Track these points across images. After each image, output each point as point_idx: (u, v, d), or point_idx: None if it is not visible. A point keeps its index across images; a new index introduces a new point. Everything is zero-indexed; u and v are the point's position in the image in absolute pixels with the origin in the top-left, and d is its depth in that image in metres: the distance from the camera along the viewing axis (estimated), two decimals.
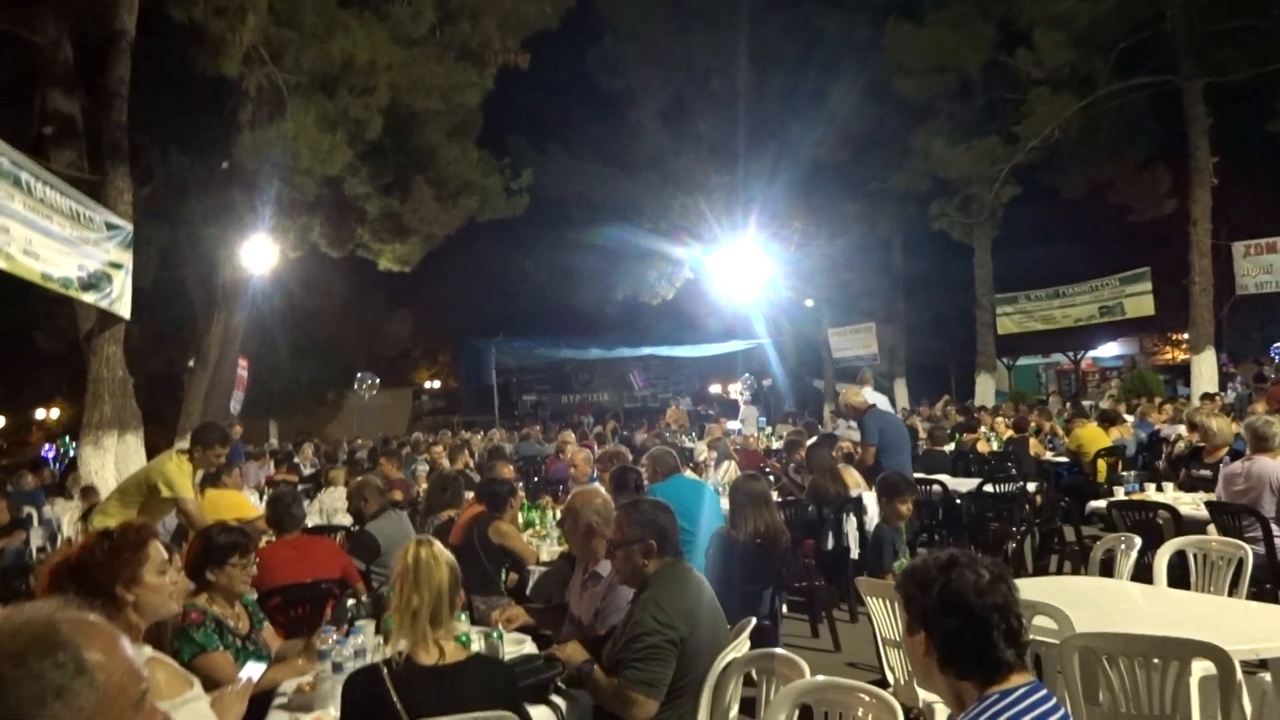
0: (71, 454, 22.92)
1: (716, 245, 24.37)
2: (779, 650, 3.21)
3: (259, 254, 15.67)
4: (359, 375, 26.88)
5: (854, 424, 9.54)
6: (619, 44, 24.20)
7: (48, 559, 3.81)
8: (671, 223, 25.01)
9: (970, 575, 2.05)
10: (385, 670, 2.75)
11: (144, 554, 2.87)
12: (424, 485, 11.49)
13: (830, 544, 7.59)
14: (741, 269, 23.60)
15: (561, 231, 28.63)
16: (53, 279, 9.28)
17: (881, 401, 14.38)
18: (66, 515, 10.95)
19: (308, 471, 15.69)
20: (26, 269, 8.72)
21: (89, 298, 10.36)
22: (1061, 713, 1.98)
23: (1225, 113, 17.94)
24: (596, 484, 8.31)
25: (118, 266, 10.85)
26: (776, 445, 15.22)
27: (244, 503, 7.65)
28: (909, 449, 8.33)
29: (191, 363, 17.64)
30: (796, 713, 2.81)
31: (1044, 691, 2.01)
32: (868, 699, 2.58)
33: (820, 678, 2.82)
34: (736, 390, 27.16)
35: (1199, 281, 17.72)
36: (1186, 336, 27.64)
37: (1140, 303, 20.19)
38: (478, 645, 3.54)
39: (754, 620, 3.69)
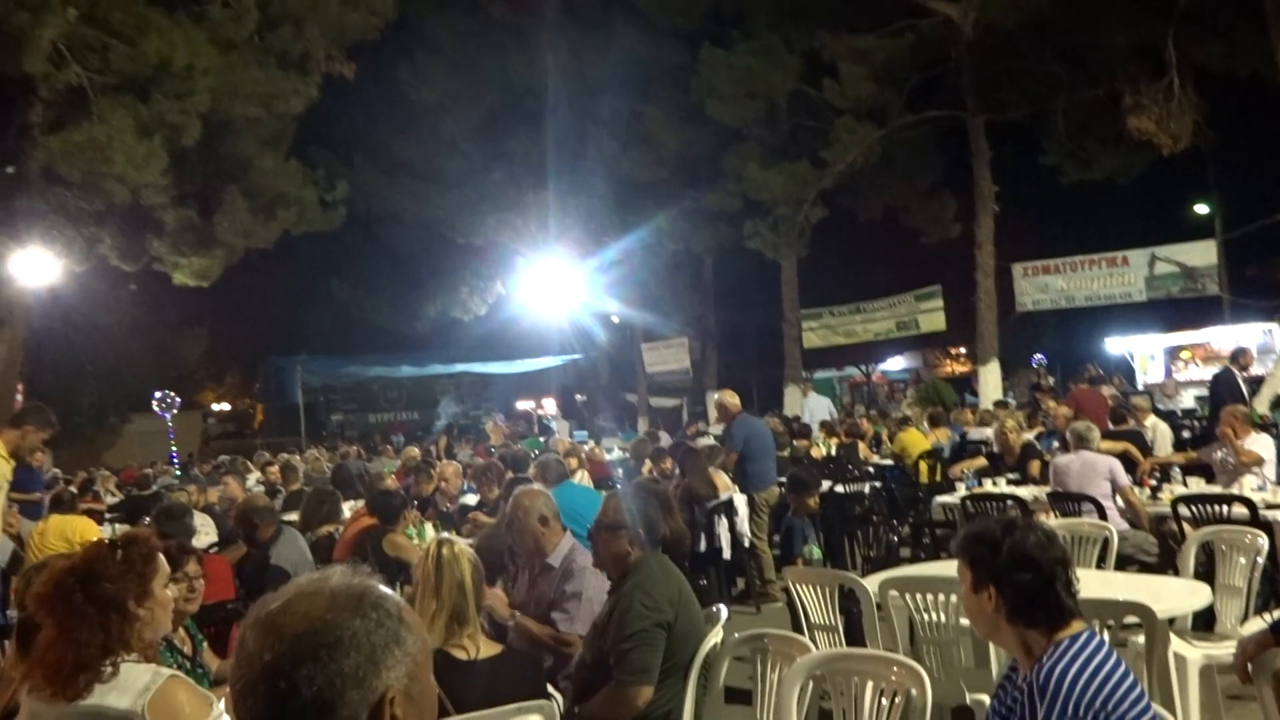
0: None
1: (529, 261, 24.46)
2: (774, 630, 3.39)
3: (40, 268, 14.68)
4: (158, 395, 25.10)
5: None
6: (431, 58, 23.90)
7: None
8: (485, 238, 24.88)
9: (1032, 535, 2.31)
10: None
11: (154, 566, 2.74)
12: None
13: (704, 545, 7.87)
14: (555, 285, 23.80)
15: (368, 247, 27.91)
16: None
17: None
18: None
19: (110, 500, 14.73)
20: None
21: None
22: (1116, 656, 2.27)
23: (1003, 146, 19.75)
24: (471, 495, 8.29)
25: None
26: (609, 457, 15.51)
27: (92, 529, 7.10)
28: (773, 455, 8.72)
29: None
30: (811, 685, 2.98)
31: (1100, 637, 2.29)
32: (896, 668, 2.77)
33: (837, 649, 3.01)
34: (551, 407, 27.25)
35: (984, 299, 19.32)
36: (964, 350, 30.06)
37: (933, 318, 21.79)
38: None
39: (725, 610, 3.86)
